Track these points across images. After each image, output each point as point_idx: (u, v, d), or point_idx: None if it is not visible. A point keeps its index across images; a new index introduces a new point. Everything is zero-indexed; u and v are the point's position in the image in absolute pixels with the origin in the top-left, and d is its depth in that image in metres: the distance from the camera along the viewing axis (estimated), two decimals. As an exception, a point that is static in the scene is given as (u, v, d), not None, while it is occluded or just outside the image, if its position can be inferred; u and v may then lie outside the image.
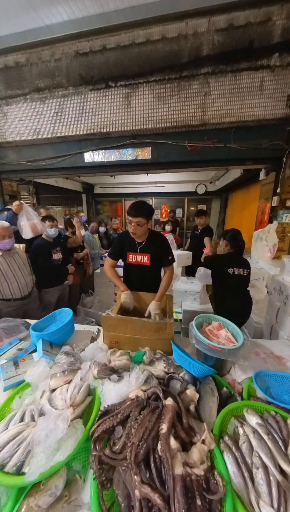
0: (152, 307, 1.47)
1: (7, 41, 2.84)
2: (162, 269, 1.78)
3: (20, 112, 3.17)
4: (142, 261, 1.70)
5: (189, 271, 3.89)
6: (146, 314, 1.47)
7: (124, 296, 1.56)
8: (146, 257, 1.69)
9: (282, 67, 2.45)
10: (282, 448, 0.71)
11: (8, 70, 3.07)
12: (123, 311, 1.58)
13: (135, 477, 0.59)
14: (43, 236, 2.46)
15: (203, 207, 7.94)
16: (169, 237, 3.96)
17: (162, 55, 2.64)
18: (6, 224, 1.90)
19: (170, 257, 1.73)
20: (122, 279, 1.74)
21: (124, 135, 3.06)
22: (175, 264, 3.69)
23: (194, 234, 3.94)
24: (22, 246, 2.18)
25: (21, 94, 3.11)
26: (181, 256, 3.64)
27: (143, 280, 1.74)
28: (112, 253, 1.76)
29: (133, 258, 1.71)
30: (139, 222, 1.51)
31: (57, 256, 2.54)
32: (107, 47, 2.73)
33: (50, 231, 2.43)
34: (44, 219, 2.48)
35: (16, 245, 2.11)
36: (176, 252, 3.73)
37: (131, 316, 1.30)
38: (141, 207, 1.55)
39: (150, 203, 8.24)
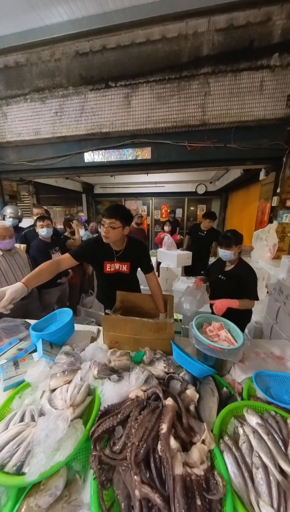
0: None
1: (7, 41, 2.84)
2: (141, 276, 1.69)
3: (20, 112, 3.18)
4: (120, 269, 1.58)
5: (189, 271, 3.90)
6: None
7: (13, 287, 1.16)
8: (125, 266, 1.58)
9: (282, 67, 2.45)
10: (282, 448, 0.71)
11: (8, 70, 3.07)
12: (124, 311, 1.58)
13: (135, 477, 0.59)
14: (40, 236, 2.45)
15: (203, 207, 7.94)
16: (169, 238, 3.96)
17: (162, 55, 2.64)
18: (7, 224, 1.91)
19: (150, 263, 1.66)
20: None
21: (124, 135, 3.07)
22: (175, 264, 3.71)
23: (198, 235, 3.79)
24: (22, 246, 2.18)
25: (21, 94, 3.11)
26: (180, 256, 3.64)
27: (119, 287, 1.61)
28: (75, 252, 1.47)
29: (111, 267, 1.56)
30: (112, 223, 1.37)
31: (56, 256, 2.53)
32: (107, 47, 2.73)
33: (42, 232, 2.40)
34: (36, 219, 2.46)
35: (17, 245, 2.11)
36: (176, 252, 3.74)
37: (131, 316, 1.30)
38: (117, 209, 1.43)
39: (150, 203, 8.27)
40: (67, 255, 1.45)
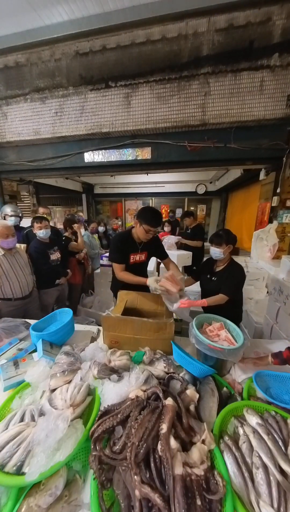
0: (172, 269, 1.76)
1: (7, 41, 2.84)
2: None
3: (20, 112, 3.18)
4: (140, 259, 1.82)
5: (189, 271, 3.92)
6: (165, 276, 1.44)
7: (149, 282, 1.47)
8: (144, 254, 1.83)
9: (282, 67, 2.45)
10: (282, 448, 0.71)
11: (8, 70, 3.07)
12: (124, 311, 1.58)
13: (135, 477, 0.59)
14: (38, 237, 2.43)
15: (203, 207, 7.96)
16: (170, 238, 3.95)
17: (162, 55, 2.64)
18: (9, 223, 1.91)
19: (165, 251, 1.93)
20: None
21: (124, 135, 3.07)
22: (175, 263, 3.70)
23: (186, 233, 4.02)
24: (23, 246, 2.18)
25: (21, 94, 3.11)
26: (181, 256, 3.64)
27: (140, 274, 1.74)
28: (118, 259, 1.73)
29: (134, 258, 1.78)
30: (157, 230, 1.64)
31: (55, 256, 2.52)
32: (107, 47, 2.73)
33: (39, 233, 2.38)
34: (33, 220, 2.43)
35: (17, 245, 2.11)
36: (177, 252, 3.74)
37: (131, 316, 1.30)
38: (161, 218, 1.65)
39: (150, 203, 8.28)
40: (116, 265, 1.73)
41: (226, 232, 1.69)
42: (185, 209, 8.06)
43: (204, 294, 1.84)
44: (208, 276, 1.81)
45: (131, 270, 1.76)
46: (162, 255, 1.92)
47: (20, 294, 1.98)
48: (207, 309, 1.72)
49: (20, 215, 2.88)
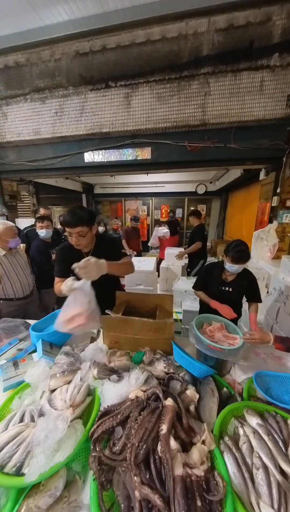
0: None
1: (7, 41, 2.84)
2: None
3: (20, 112, 3.18)
4: None
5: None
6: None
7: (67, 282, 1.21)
8: None
9: (282, 67, 2.45)
10: (283, 448, 0.71)
11: (8, 70, 3.07)
12: (124, 311, 1.57)
13: (135, 478, 0.59)
14: (40, 236, 2.45)
15: (203, 207, 7.96)
16: (157, 231, 3.95)
17: (162, 55, 2.64)
18: (11, 223, 1.95)
19: (123, 250, 1.60)
20: None
21: (124, 135, 3.07)
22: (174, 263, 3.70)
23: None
24: (22, 246, 2.20)
25: (21, 94, 3.11)
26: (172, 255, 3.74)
27: (104, 286, 1.44)
28: (58, 272, 1.48)
29: None
30: (80, 232, 1.30)
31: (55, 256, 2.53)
32: (107, 47, 2.73)
33: (41, 233, 2.40)
34: (37, 220, 2.46)
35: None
36: (171, 251, 3.81)
37: (131, 316, 1.29)
38: (79, 214, 1.31)
39: (150, 203, 8.28)
40: (57, 279, 1.45)
41: (246, 246, 1.58)
42: (185, 209, 8.07)
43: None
44: (222, 288, 1.72)
45: (94, 284, 1.49)
46: (119, 257, 1.53)
47: (21, 294, 1.99)
48: (209, 309, 1.73)
49: (5, 214, 2.90)
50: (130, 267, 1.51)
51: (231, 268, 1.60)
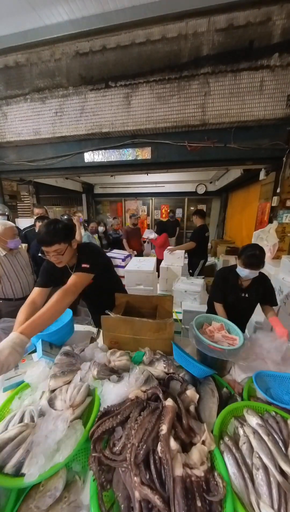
0: None
1: (7, 41, 2.84)
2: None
3: (20, 112, 3.18)
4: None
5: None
6: None
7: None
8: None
9: (282, 67, 2.45)
10: (283, 448, 0.71)
11: (8, 70, 3.07)
12: (123, 311, 1.57)
13: (135, 478, 0.59)
14: None
15: (203, 207, 7.96)
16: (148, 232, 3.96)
17: (162, 55, 2.64)
18: (12, 224, 1.94)
19: (99, 263, 1.43)
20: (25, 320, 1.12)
21: (124, 135, 3.07)
22: (175, 264, 3.71)
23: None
24: (24, 246, 2.19)
25: (21, 94, 3.11)
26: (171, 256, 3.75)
27: (98, 297, 1.51)
28: (39, 282, 1.39)
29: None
30: (57, 250, 1.21)
31: None
32: (107, 47, 2.73)
33: None
34: (36, 220, 2.46)
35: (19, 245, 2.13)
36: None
37: (131, 316, 1.29)
38: (54, 230, 1.19)
39: (150, 203, 8.27)
40: (35, 289, 1.35)
41: (262, 250, 1.49)
42: (185, 209, 8.07)
43: (236, 312, 1.65)
44: (242, 295, 1.64)
45: (83, 297, 1.42)
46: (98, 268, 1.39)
47: (21, 294, 1.99)
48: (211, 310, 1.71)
49: (7, 213, 2.90)
50: (56, 310, 1.13)
51: (242, 272, 1.52)
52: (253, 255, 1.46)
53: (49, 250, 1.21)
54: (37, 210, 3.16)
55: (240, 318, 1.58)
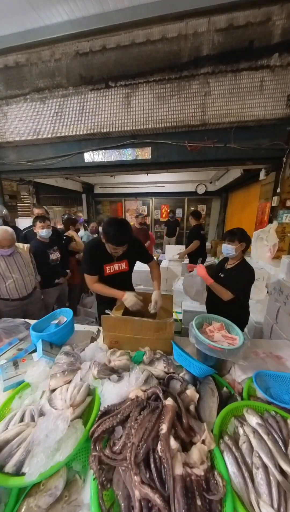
0: (156, 296, 1.43)
1: (7, 41, 2.84)
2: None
3: (20, 112, 3.18)
4: (120, 268, 1.60)
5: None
6: (151, 307, 1.39)
7: (127, 297, 1.40)
8: (124, 263, 1.60)
9: (282, 67, 2.45)
10: (282, 448, 0.71)
11: (8, 70, 3.07)
12: (124, 311, 1.57)
13: (135, 477, 0.59)
14: (38, 237, 2.42)
15: (203, 207, 7.96)
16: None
17: (162, 55, 2.64)
18: (10, 231, 1.87)
19: (148, 253, 1.71)
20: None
21: (124, 135, 3.07)
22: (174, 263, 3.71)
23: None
24: (26, 247, 2.14)
25: (21, 94, 3.11)
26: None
27: (123, 285, 1.61)
28: (89, 270, 1.54)
29: (111, 269, 1.57)
30: (124, 248, 1.41)
31: (55, 256, 2.51)
32: (107, 47, 2.73)
33: (41, 233, 2.36)
34: (35, 219, 2.42)
35: (20, 245, 2.09)
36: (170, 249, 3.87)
37: (131, 316, 1.30)
38: (126, 234, 1.37)
39: (150, 203, 8.28)
40: (88, 276, 1.56)
41: (241, 230, 1.66)
42: (185, 209, 8.07)
43: (211, 292, 1.78)
44: (219, 274, 1.79)
45: (110, 281, 1.57)
46: (146, 259, 1.68)
47: (16, 295, 1.95)
48: (211, 310, 1.73)
49: (4, 212, 2.89)
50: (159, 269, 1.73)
51: (224, 249, 1.69)
52: (230, 231, 1.68)
53: (120, 249, 1.41)
54: (36, 210, 3.15)
55: (216, 297, 1.67)
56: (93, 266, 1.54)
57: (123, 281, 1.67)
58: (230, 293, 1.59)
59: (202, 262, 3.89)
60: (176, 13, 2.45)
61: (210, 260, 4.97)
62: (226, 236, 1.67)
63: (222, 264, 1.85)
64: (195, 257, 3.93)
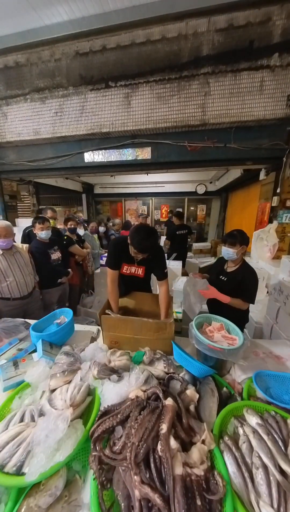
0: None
1: (7, 41, 2.84)
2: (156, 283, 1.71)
3: (20, 112, 3.18)
4: (136, 272, 1.63)
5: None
6: None
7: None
8: (141, 269, 1.62)
9: (282, 67, 2.45)
10: (282, 448, 0.71)
11: (8, 70, 3.07)
12: (124, 311, 1.58)
13: (135, 477, 0.59)
14: (38, 237, 2.42)
15: (203, 207, 7.96)
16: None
17: (162, 55, 2.64)
18: (7, 223, 1.89)
19: (165, 271, 1.63)
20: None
21: (124, 135, 3.07)
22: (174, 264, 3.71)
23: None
24: (25, 246, 2.16)
25: (21, 94, 3.11)
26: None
27: (132, 288, 1.71)
28: (112, 264, 1.59)
29: (127, 269, 1.62)
30: (144, 255, 1.43)
31: (56, 256, 2.51)
32: (107, 47, 2.73)
33: (41, 234, 2.34)
34: (34, 220, 2.40)
35: (20, 245, 2.10)
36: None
37: (131, 316, 1.30)
38: (149, 245, 1.37)
39: (150, 203, 8.27)
40: (109, 270, 1.59)
41: (241, 232, 1.64)
42: (186, 209, 8.07)
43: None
44: (220, 277, 1.76)
45: (127, 282, 1.65)
46: (159, 274, 1.63)
47: (18, 294, 1.97)
48: (213, 310, 1.72)
49: None
50: (168, 294, 1.64)
51: (225, 252, 1.67)
52: (230, 234, 1.65)
53: (143, 255, 1.44)
54: (51, 213, 3.13)
55: (216, 300, 1.66)
56: (113, 260, 1.59)
57: (139, 286, 1.71)
58: (247, 303, 1.61)
59: (176, 259, 4.02)
60: (176, 13, 2.45)
61: (210, 260, 4.97)
62: (227, 240, 1.64)
63: (221, 265, 1.83)
64: (171, 252, 4.18)
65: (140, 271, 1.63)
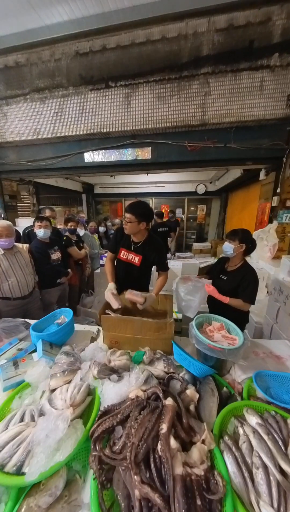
0: (150, 299, 1.49)
1: (7, 41, 2.85)
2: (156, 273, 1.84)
3: (20, 112, 3.18)
4: (132, 260, 1.71)
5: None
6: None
7: (107, 288, 1.54)
8: (137, 258, 1.69)
9: (282, 67, 2.45)
10: (282, 448, 0.71)
11: (8, 70, 3.07)
12: (124, 311, 1.57)
13: (135, 477, 0.59)
14: (38, 237, 2.44)
15: (203, 207, 7.96)
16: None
17: (162, 55, 2.64)
18: (8, 223, 1.89)
19: (165, 262, 1.75)
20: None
21: (124, 135, 3.07)
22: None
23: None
24: (25, 246, 2.16)
25: (21, 94, 3.12)
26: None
27: (128, 278, 1.76)
28: (110, 246, 1.81)
29: (124, 255, 1.72)
30: (129, 218, 1.53)
31: (56, 256, 2.52)
32: (107, 47, 2.73)
33: (39, 233, 2.36)
34: (35, 219, 2.42)
35: (20, 245, 2.10)
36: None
37: (131, 316, 1.30)
38: (136, 206, 1.56)
39: (150, 203, 8.26)
40: (108, 254, 1.81)
41: (245, 231, 1.65)
42: (186, 209, 8.07)
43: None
44: (220, 276, 1.78)
45: (124, 268, 1.74)
46: (160, 266, 1.75)
47: (19, 294, 1.97)
48: (213, 310, 1.72)
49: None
50: (165, 281, 1.75)
51: (225, 248, 1.67)
52: (234, 230, 1.67)
53: (125, 215, 1.55)
54: (49, 213, 3.16)
55: (216, 300, 1.66)
56: (113, 244, 1.75)
57: (129, 274, 1.76)
58: (248, 304, 1.60)
59: None
60: (176, 13, 2.45)
61: (210, 260, 4.97)
62: (228, 235, 1.66)
63: (222, 264, 1.83)
64: None
65: (136, 259, 1.70)
